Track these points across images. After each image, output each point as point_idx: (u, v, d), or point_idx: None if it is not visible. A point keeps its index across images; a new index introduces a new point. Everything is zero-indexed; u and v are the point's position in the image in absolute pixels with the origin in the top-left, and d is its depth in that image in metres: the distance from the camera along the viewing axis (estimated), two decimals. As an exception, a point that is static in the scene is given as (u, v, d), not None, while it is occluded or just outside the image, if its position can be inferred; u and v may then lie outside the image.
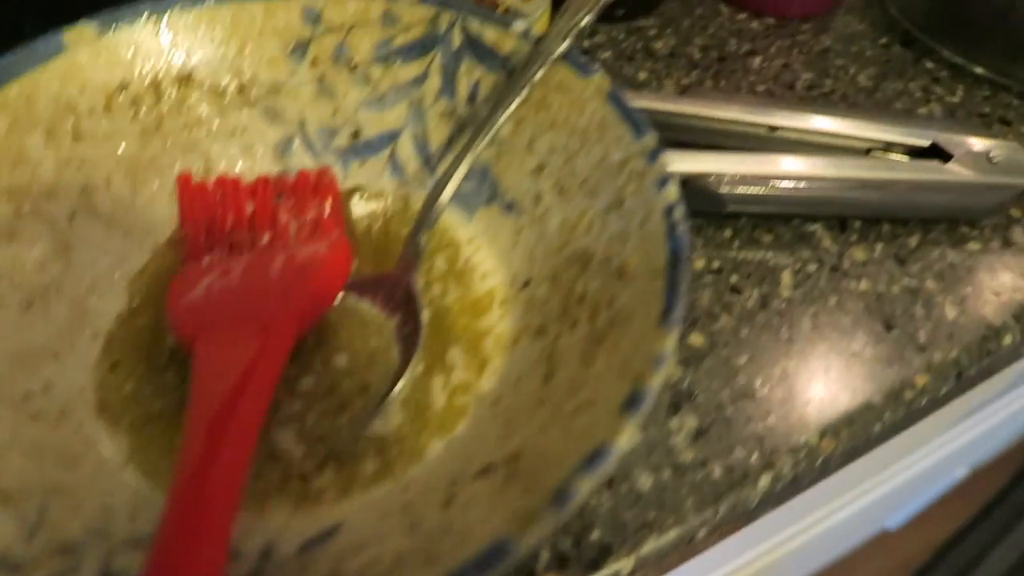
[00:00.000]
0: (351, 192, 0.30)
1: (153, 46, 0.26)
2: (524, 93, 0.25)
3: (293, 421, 0.24)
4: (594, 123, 0.25)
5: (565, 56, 0.26)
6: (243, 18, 0.27)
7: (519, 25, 0.26)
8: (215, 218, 0.28)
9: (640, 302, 0.21)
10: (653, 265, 0.21)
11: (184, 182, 0.28)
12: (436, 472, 0.22)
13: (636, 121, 0.24)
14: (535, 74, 0.25)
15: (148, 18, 0.26)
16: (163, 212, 0.28)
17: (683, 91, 0.37)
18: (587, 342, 0.22)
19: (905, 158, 0.35)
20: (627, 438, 0.17)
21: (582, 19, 0.25)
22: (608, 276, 0.23)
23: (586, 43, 0.42)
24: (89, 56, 0.25)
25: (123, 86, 0.26)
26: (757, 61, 0.42)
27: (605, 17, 0.43)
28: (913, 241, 0.34)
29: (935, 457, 0.86)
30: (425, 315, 0.25)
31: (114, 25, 0.26)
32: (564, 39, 0.25)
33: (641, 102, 0.35)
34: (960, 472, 1.05)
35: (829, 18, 0.45)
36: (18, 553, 0.19)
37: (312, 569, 0.19)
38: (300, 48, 0.28)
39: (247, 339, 0.23)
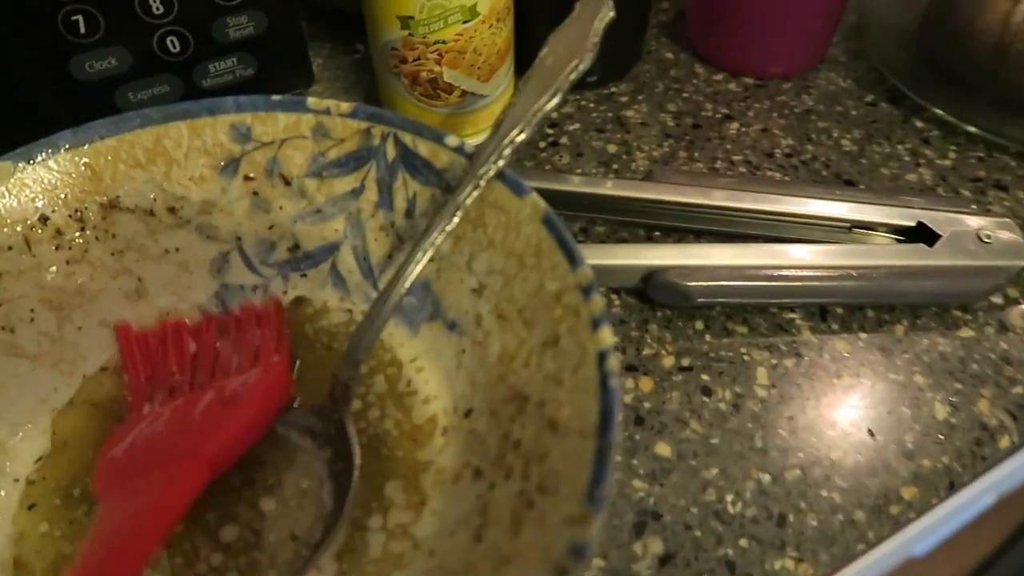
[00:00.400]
0: (296, 303, 0.28)
1: (74, 176, 0.25)
2: (457, 215, 0.24)
3: (214, 579, 0.22)
4: (530, 248, 0.23)
5: (500, 175, 0.24)
6: (168, 140, 0.26)
7: (452, 140, 0.25)
8: (157, 364, 0.26)
9: (569, 464, 0.19)
10: (584, 423, 0.19)
11: (123, 332, 0.27)
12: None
13: (571, 250, 0.22)
14: (468, 196, 0.24)
15: (67, 151, 0.25)
16: (94, 340, 0.27)
17: (651, 170, 0.35)
18: (519, 502, 0.20)
19: (889, 239, 0.33)
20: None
21: (517, 135, 0.24)
22: (542, 424, 0.21)
23: (554, 114, 0.41)
24: (4, 193, 0.24)
25: (43, 219, 0.25)
26: (734, 127, 0.40)
27: (575, 84, 0.41)
28: (900, 329, 0.32)
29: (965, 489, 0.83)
30: (358, 455, 0.23)
31: (31, 159, 0.25)
32: (497, 157, 0.24)
33: (605, 189, 0.33)
34: (988, 500, 1.01)
35: (811, 75, 0.43)
36: None
37: None
38: (231, 165, 0.27)
39: (152, 485, 0.22)
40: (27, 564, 0.23)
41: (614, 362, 0.20)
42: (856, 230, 0.33)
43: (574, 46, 0.24)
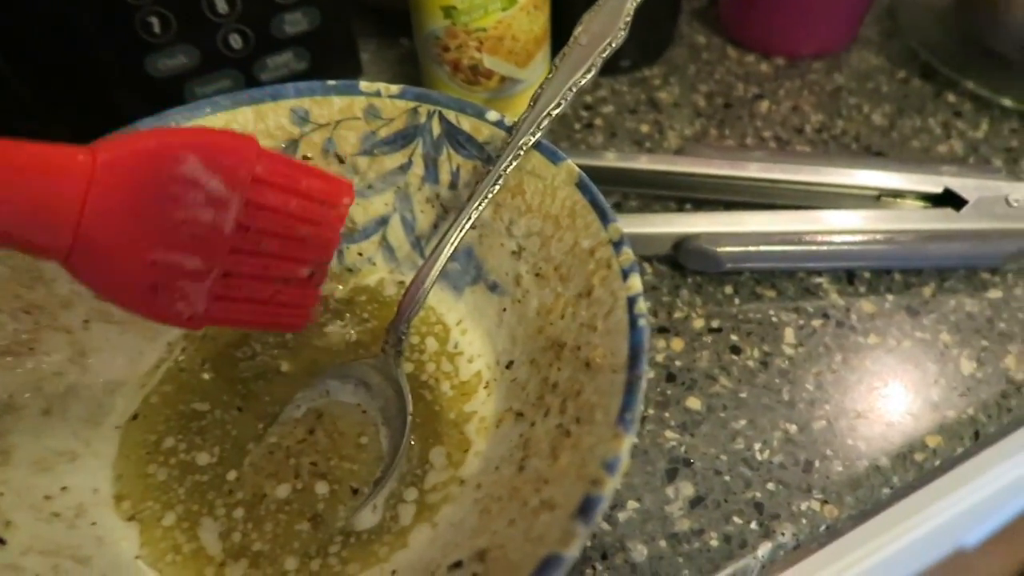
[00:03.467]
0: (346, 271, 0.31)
1: (155, 156, 0.28)
2: (499, 183, 0.26)
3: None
4: (565, 210, 0.25)
5: (536, 144, 0.26)
6: (235, 124, 0.29)
7: (492, 115, 0.27)
8: None
9: (602, 397, 0.21)
10: (616, 359, 0.21)
11: None
12: (421, 557, 0.23)
13: (603, 209, 0.24)
14: (508, 164, 0.26)
15: (148, 132, 0.28)
16: (173, 307, 0.29)
17: (682, 147, 0.37)
18: (556, 433, 0.22)
19: (917, 205, 0.34)
20: (577, 546, 0.18)
21: (553, 109, 0.26)
22: (577, 366, 0.23)
23: (588, 98, 0.42)
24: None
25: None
26: (765, 105, 0.41)
27: (609, 69, 0.43)
28: (927, 291, 0.33)
29: (1016, 472, 0.82)
30: (410, 402, 0.26)
31: (119, 141, 0.28)
32: (536, 129, 0.26)
33: (638, 163, 0.35)
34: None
35: (843, 55, 0.44)
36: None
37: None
38: (291, 146, 0.29)
39: None
40: (126, 502, 0.25)
41: (642, 305, 0.21)
42: (884, 198, 0.34)
43: (607, 25, 0.26)
